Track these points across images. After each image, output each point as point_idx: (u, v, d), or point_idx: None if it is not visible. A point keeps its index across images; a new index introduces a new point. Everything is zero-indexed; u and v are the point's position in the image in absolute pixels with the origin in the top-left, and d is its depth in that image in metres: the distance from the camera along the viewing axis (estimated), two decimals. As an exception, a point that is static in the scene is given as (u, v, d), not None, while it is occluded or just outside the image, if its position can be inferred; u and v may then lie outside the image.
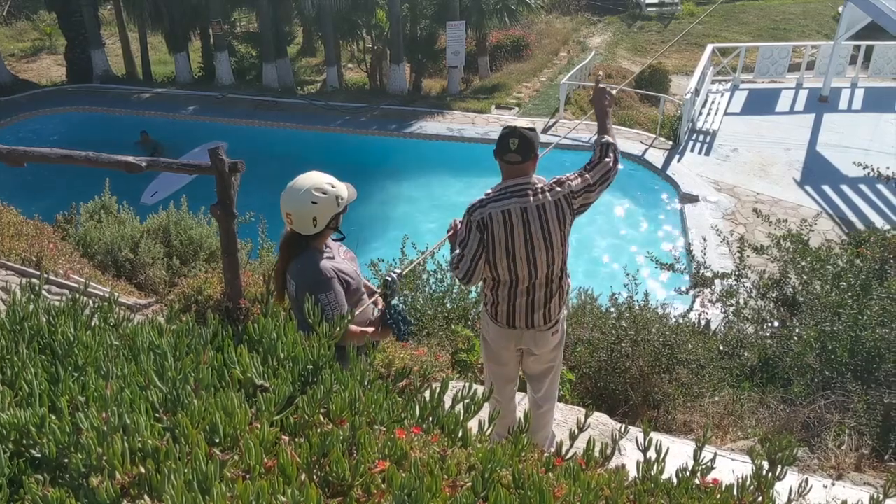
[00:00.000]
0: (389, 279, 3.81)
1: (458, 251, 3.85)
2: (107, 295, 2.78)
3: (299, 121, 20.31)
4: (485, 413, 2.41)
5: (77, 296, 2.70)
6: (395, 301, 3.78)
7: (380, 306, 3.72)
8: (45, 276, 3.77)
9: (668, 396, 5.36)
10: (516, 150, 3.73)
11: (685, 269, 8.83)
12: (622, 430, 2.24)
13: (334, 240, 3.66)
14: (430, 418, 2.17)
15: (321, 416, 2.04)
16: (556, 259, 3.85)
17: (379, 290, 3.78)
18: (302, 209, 3.39)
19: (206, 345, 2.12)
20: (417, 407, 2.19)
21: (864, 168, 7.62)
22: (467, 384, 2.35)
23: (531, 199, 3.76)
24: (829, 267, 6.17)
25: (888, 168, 8.48)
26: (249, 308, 4.40)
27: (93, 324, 2.54)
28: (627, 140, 18.51)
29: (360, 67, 27.08)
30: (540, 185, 3.81)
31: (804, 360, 5.36)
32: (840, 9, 22.37)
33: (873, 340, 5.31)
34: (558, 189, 3.81)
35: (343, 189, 3.52)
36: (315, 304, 3.33)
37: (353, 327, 3.52)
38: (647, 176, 17.36)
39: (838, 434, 4.76)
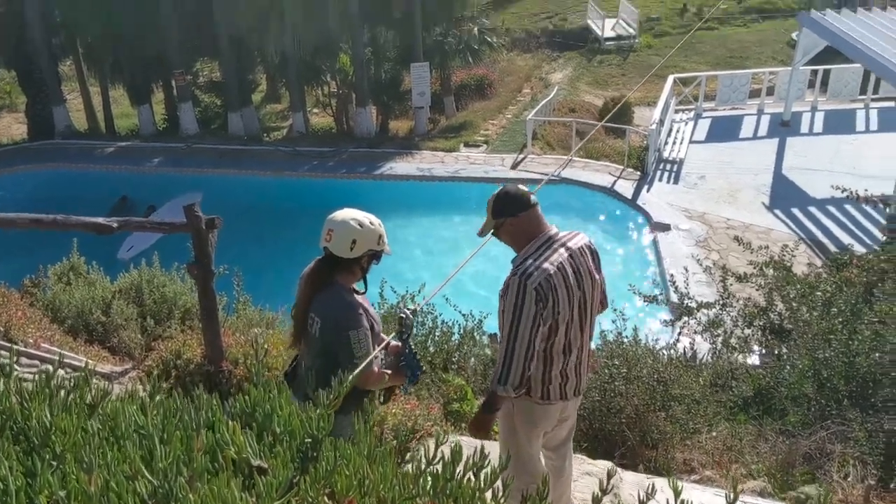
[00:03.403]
0: (403, 316, 3.65)
1: (515, 353, 3.38)
2: (81, 365, 2.60)
3: (267, 168, 20.17)
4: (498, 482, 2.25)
5: (51, 371, 2.51)
6: (409, 341, 3.64)
7: (389, 349, 3.60)
8: (14, 347, 3.56)
9: (665, 434, 5.23)
10: (528, 192, 3.52)
11: (665, 299, 8.78)
12: (650, 490, 2.09)
13: (358, 292, 3.56)
14: (444, 492, 2.01)
15: (325, 498, 1.88)
16: (597, 305, 3.63)
17: (395, 330, 3.64)
18: (345, 227, 3.39)
19: (199, 428, 1.95)
20: (430, 479, 2.03)
21: (842, 191, 7.65)
22: (478, 447, 2.19)
23: (570, 243, 3.51)
24: (818, 293, 6.13)
25: (866, 189, 8.53)
26: (232, 370, 4.21)
27: (69, 403, 2.35)
28: (596, 172, 18.62)
29: (326, 112, 27.06)
30: (563, 232, 3.59)
31: (801, 390, 5.27)
32: (794, 35, 22.90)
33: (867, 366, 5.24)
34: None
35: (385, 235, 3.53)
36: (345, 342, 3.32)
37: (375, 369, 3.46)
38: (619, 206, 17.45)
39: (842, 465, 4.66)
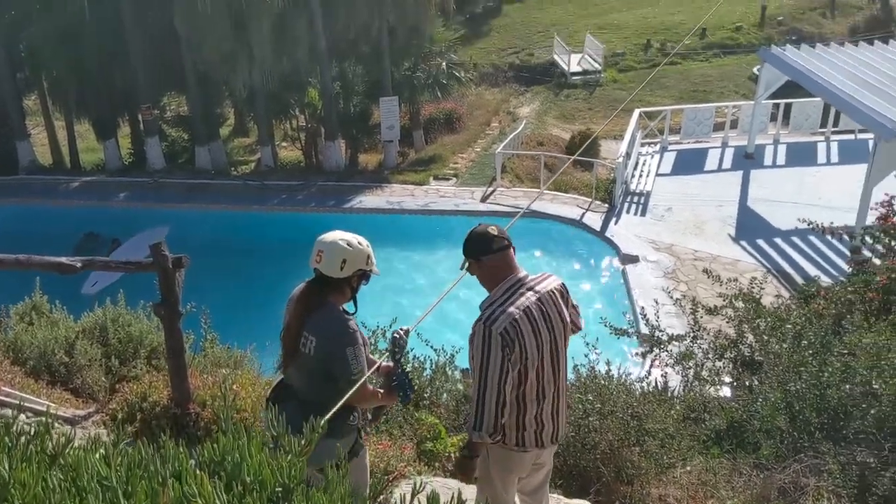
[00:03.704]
0: (397, 336, 3.69)
1: (486, 399, 3.33)
2: (43, 409, 2.51)
3: (235, 202, 20.05)
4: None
5: (10, 419, 2.42)
6: (401, 361, 3.68)
7: (381, 370, 3.64)
8: (-28, 392, 3.44)
9: (640, 470, 5.19)
10: (498, 234, 3.49)
11: (635, 332, 8.80)
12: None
13: (348, 313, 3.61)
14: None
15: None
16: (567, 346, 3.58)
17: (387, 349, 3.70)
18: (335, 248, 3.49)
19: (165, 481, 1.87)
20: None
21: (808, 224, 7.75)
22: (454, 493, 2.14)
23: (538, 286, 3.47)
24: (788, 326, 6.18)
25: (832, 222, 8.66)
26: (199, 413, 4.10)
27: (29, 453, 2.26)
28: (564, 205, 18.75)
29: (295, 145, 27.03)
30: (532, 275, 3.56)
31: (774, 423, 5.27)
32: (756, 69, 23.38)
33: (838, 398, 5.27)
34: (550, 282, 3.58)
35: (374, 256, 3.63)
36: (342, 359, 3.36)
37: (369, 387, 3.50)
38: (588, 239, 17.56)
39: (817, 499, 4.65)
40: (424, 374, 7.65)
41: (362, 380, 3.34)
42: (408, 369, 3.60)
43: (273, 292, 15.70)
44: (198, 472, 1.98)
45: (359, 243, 3.56)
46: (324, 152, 23.42)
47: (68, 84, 22.60)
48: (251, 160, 26.87)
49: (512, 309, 3.35)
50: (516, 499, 3.74)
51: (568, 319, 3.56)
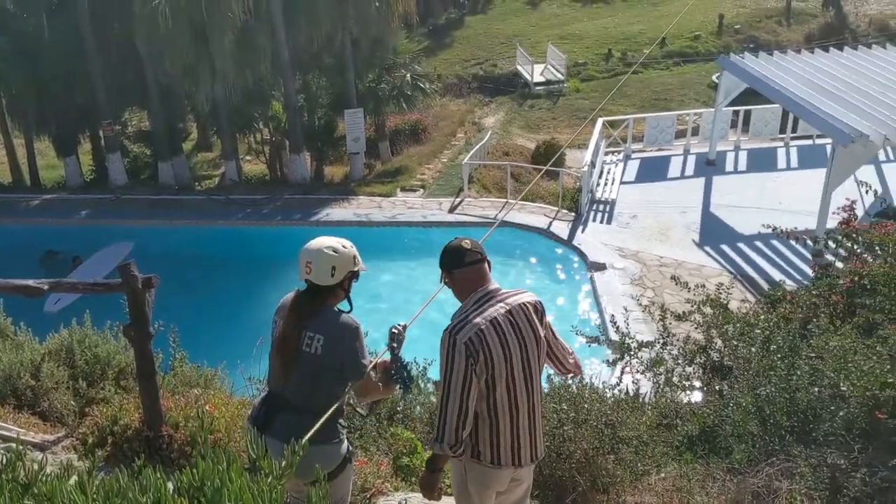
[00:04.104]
0: (396, 331, 3.77)
1: (448, 410, 3.35)
2: (11, 434, 2.45)
3: (200, 217, 19.85)
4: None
5: (-21, 448, 2.36)
6: (399, 354, 3.74)
7: (378, 365, 3.72)
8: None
9: (615, 478, 5.22)
10: (472, 248, 3.53)
11: (607, 339, 8.86)
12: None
13: (342, 311, 3.68)
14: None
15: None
16: (542, 363, 3.59)
17: (386, 344, 3.77)
18: (322, 256, 3.55)
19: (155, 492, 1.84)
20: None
21: (773, 229, 7.88)
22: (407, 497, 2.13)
23: (510, 299, 3.49)
24: (757, 331, 6.27)
25: (795, 227, 8.81)
26: (172, 435, 4.03)
27: (1, 482, 2.20)
28: (532, 214, 18.85)
29: (259, 159, 26.84)
30: (506, 289, 3.58)
31: (745, 428, 5.34)
32: (715, 77, 23.77)
33: (807, 401, 5.35)
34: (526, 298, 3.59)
35: (359, 255, 3.70)
36: (355, 351, 3.44)
37: (373, 379, 3.63)
38: (555, 247, 17.66)
39: (790, 502, 4.71)
40: (397, 389, 7.63)
41: (368, 369, 3.52)
42: (406, 362, 3.68)
43: (240, 307, 15.66)
44: (177, 497, 1.95)
45: (343, 247, 3.63)
46: (289, 165, 23.30)
47: (27, 101, 22.20)
48: (215, 175, 26.63)
49: (478, 319, 3.37)
50: None
51: (542, 335, 3.56)
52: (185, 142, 27.29)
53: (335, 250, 3.58)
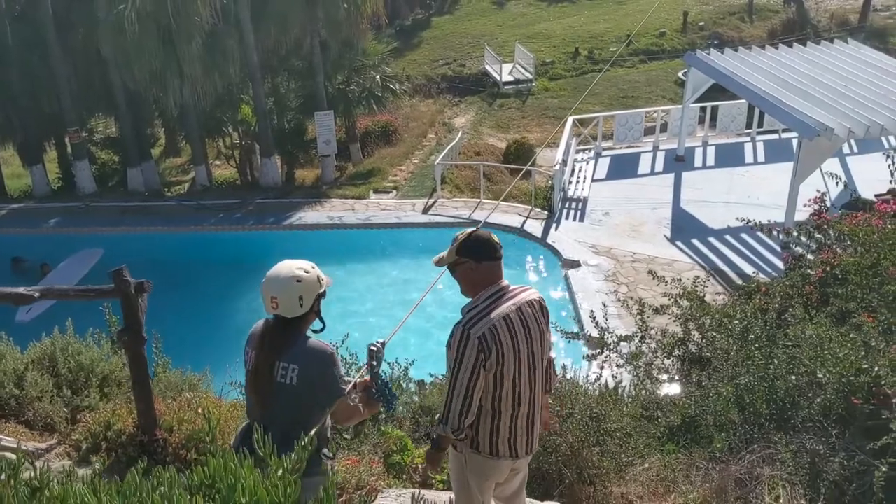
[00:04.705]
0: (374, 349, 3.69)
1: (453, 398, 3.46)
2: (7, 443, 2.46)
3: (171, 223, 19.69)
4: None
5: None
6: (379, 371, 3.68)
7: (358, 385, 3.62)
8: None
9: (601, 470, 5.31)
10: (499, 243, 3.61)
11: (584, 335, 8.98)
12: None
13: (315, 331, 3.57)
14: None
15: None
16: (545, 358, 3.68)
17: (366, 362, 3.68)
18: (287, 289, 3.37)
19: (169, 489, 1.86)
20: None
21: (746, 222, 8.02)
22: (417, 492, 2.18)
23: (519, 296, 3.58)
24: (735, 321, 6.40)
25: (770, 220, 8.98)
26: (167, 439, 4.03)
27: (6, 489, 2.21)
28: (505, 213, 18.95)
29: (230, 163, 26.66)
30: (514, 286, 3.65)
31: (726, 416, 5.45)
32: (681, 74, 24.07)
33: (786, 388, 5.47)
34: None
35: (320, 271, 3.54)
36: (331, 379, 3.34)
37: (351, 403, 3.47)
38: (530, 246, 17.78)
39: (772, 488, 4.83)
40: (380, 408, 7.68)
41: (347, 393, 3.39)
42: (386, 379, 3.63)
43: (217, 313, 15.54)
44: (193, 496, 1.98)
45: (305, 272, 3.45)
46: (260, 169, 23.18)
47: (-9, 109, 21.90)
48: (185, 180, 26.41)
49: (492, 315, 3.45)
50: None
51: (546, 333, 3.65)
52: (153, 147, 27.02)
53: (298, 279, 3.40)
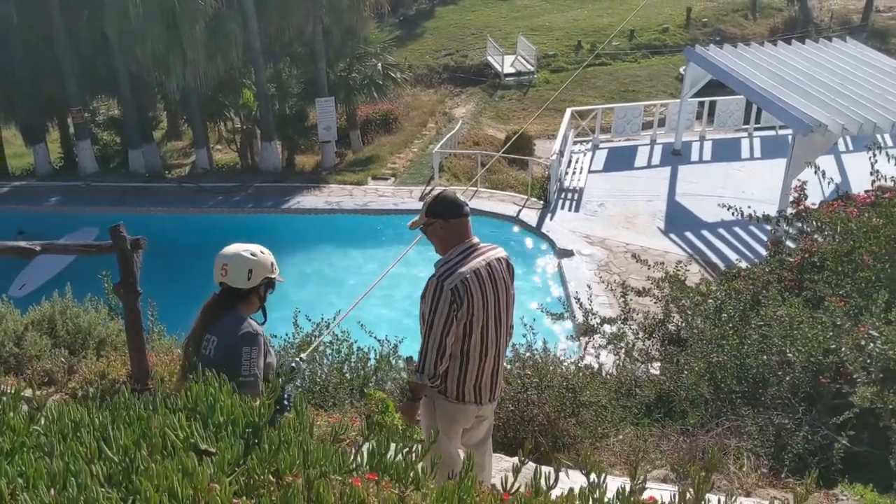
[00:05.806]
0: (294, 365, 3.88)
1: (428, 347, 3.69)
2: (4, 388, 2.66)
3: (170, 205, 19.87)
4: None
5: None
6: (289, 388, 3.70)
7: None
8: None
9: (576, 439, 5.52)
10: (465, 202, 3.85)
11: (569, 316, 9.19)
12: (558, 463, 2.32)
13: (258, 323, 3.69)
14: (380, 466, 2.18)
15: (270, 476, 2.02)
16: (511, 313, 3.93)
17: (283, 376, 3.59)
18: (239, 259, 3.57)
19: (155, 410, 2.07)
20: (366, 455, 2.21)
21: (734, 211, 8.16)
22: (409, 429, 2.37)
23: (488, 253, 3.83)
24: (710, 301, 6.60)
25: (765, 212, 9.13)
26: (159, 388, 4.24)
27: (10, 409, 2.41)
28: (501, 202, 19.14)
29: (230, 147, 26.83)
30: (483, 243, 3.89)
31: (698, 391, 5.66)
32: (682, 69, 24.19)
33: (756, 367, 5.69)
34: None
35: (275, 262, 3.70)
36: (235, 358, 3.40)
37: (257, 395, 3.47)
38: (525, 235, 17.97)
39: (738, 457, 5.04)
40: (369, 365, 7.88)
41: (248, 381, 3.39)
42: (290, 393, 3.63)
43: (209, 292, 15.70)
44: (176, 413, 2.18)
45: (261, 252, 3.65)
46: (261, 154, 23.35)
47: (-6, 88, 22.06)
48: (185, 163, 26.57)
49: (464, 269, 3.70)
50: (461, 452, 4.02)
51: (511, 289, 3.87)
52: (155, 130, 27.18)
53: (253, 254, 3.60)
